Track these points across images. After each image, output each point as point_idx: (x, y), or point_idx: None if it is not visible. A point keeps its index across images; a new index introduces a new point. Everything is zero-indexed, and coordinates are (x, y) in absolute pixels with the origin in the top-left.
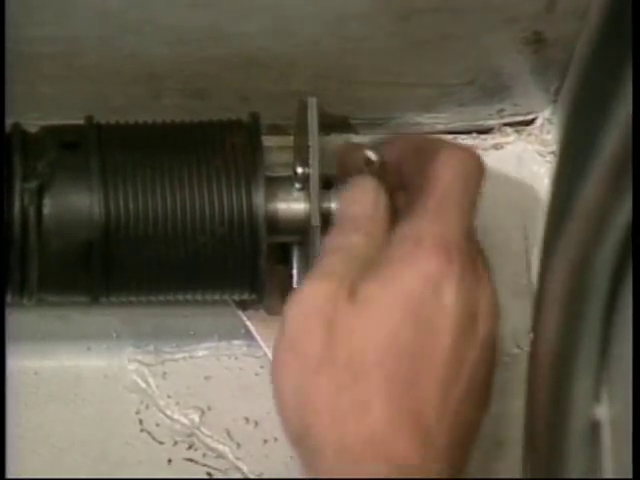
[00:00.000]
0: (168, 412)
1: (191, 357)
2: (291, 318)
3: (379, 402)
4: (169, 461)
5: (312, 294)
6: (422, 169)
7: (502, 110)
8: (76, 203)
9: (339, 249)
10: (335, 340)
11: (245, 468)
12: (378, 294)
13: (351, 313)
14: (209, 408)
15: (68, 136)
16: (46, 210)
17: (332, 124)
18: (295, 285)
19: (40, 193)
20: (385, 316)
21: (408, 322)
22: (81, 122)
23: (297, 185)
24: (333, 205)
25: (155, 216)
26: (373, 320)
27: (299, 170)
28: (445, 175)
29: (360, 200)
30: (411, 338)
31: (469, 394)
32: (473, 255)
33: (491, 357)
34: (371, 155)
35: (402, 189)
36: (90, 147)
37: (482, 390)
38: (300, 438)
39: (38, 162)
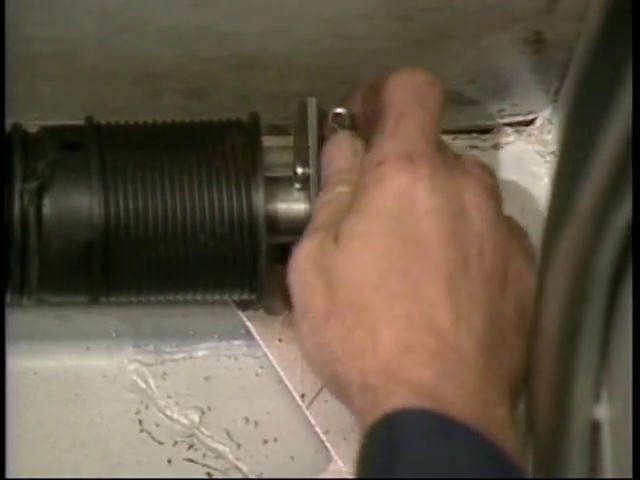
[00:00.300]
0: (168, 412)
1: (191, 357)
2: (293, 282)
3: (386, 328)
4: (169, 461)
5: (303, 252)
6: (375, 106)
7: (502, 110)
8: (76, 203)
9: (325, 205)
10: (333, 285)
11: (245, 468)
12: (356, 226)
13: (338, 253)
14: (209, 408)
15: (68, 136)
16: (46, 210)
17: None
18: None
19: (40, 193)
20: (370, 244)
21: (393, 241)
22: (81, 122)
23: (297, 185)
24: None
25: (155, 216)
26: (358, 252)
27: (299, 170)
28: (395, 97)
29: (336, 155)
30: (401, 254)
31: (482, 286)
32: (445, 160)
33: (501, 238)
34: (338, 110)
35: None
36: (90, 147)
37: (496, 277)
38: (333, 387)
39: (38, 162)
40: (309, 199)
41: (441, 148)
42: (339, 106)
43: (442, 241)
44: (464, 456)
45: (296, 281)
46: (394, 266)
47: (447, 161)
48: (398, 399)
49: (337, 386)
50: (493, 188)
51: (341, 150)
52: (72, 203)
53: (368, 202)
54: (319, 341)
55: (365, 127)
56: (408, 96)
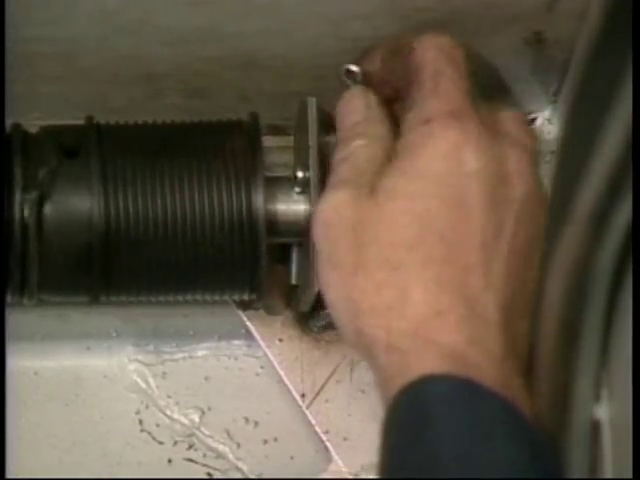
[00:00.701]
0: (168, 412)
1: (191, 357)
2: (320, 233)
3: (418, 289)
4: (169, 461)
5: (330, 204)
6: (405, 67)
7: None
8: (77, 204)
9: (344, 159)
10: (364, 242)
11: (245, 468)
12: (400, 184)
13: (375, 210)
14: (209, 408)
15: (68, 140)
16: (47, 211)
17: (332, 124)
18: (296, 285)
19: (41, 202)
20: (410, 204)
21: (435, 203)
22: (81, 122)
23: (297, 189)
24: None
25: (155, 218)
26: (398, 212)
27: (299, 174)
28: (426, 58)
29: (350, 110)
30: (441, 217)
31: (513, 255)
32: (486, 116)
33: (534, 210)
34: (351, 67)
35: (395, 99)
36: (90, 149)
37: (527, 247)
38: (356, 343)
39: (39, 170)
40: (310, 199)
41: (475, 101)
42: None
43: (483, 206)
44: (493, 422)
45: (322, 234)
46: (432, 228)
47: (487, 120)
48: (427, 364)
49: (360, 342)
50: (533, 151)
51: (354, 104)
52: (72, 204)
53: (413, 162)
54: (345, 295)
55: (381, 88)
56: (440, 55)
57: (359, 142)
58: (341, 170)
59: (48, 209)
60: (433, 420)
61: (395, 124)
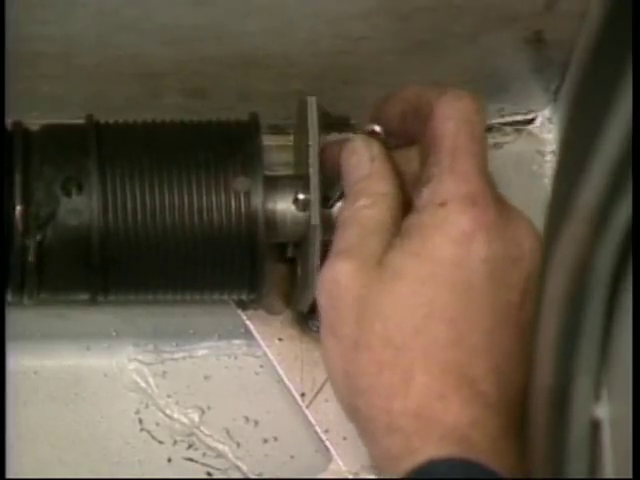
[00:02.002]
0: (168, 411)
1: (191, 356)
2: (324, 302)
3: (421, 373)
4: (169, 460)
5: (334, 274)
6: (424, 128)
7: (502, 109)
8: (76, 204)
9: (350, 220)
10: (368, 318)
11: (245, 467)
12: (410, 266)
13: (381, 286)
14: (209, 407)
15: (69, 140)
16: (46, 210)
17: (332, 123)
18: (296, 284)
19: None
20: (419, 287)
21: (444, 288)
22: (81, 121)
23: (298, 210)
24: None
25: (154, 216)
26: (407, 293)
27: (300, 196)
28: (448, 129)
29: (354, 163)
30: (449, 302)
31: (518, 335)
32: (498, 198)
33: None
34: (375, 127)
35: (408, 145)
36: (89, 149)
37: (530, 324)
38: (352, 417)
39: (39, 170)
40: (309, 203)
41: (491, 181)
42: (372, 117)
43: (492, 290)
44: None
45: (326, 303)
46: (439, 313)
47: (498, 199)
48: (431, 446)
49: (356, 417)
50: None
51: (358, 157)
52: (72, 203)
53: (424, 244)
54: (344, 369)
55: (395, 136)
56: (461, 126)
57: (363, 201)
58: (347, 235)
59: (49, 210)
60: None
61: (400, 176)
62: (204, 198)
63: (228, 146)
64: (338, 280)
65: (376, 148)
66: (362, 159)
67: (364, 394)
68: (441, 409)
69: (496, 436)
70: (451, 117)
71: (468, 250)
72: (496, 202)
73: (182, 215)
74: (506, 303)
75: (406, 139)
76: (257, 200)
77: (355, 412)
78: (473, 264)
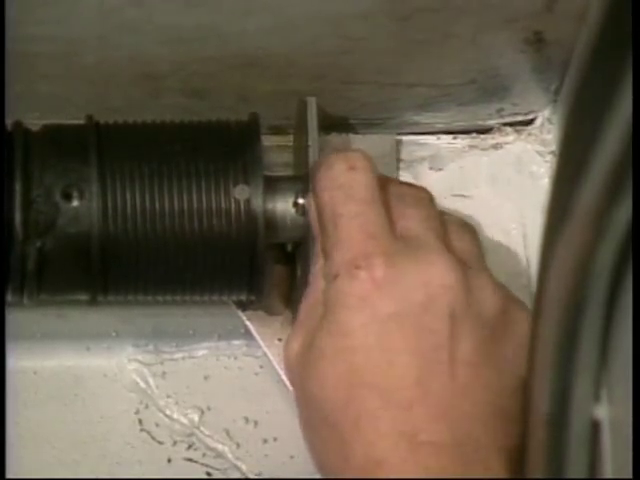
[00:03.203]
0: (167, 412)
1: (191, 357)
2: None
3: (356, 445)
4: (169, 461)
5: (287, 355)
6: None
7: (502, 110)
8: (76, 205)
9: (306, 297)
10: (307, 398)
11: (244, 468)
12: (325, 345)
13: (309, 370)
14: (208, 408)
15: (69, 141)
16: (46, 210)
17: (331, 124)
18: (296, 285)
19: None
20: (335, 363)
21: (359, 356)
22: (80, 122)
23: (297, 215)
24: None
25: (153, 217)
26: (326, 372)
27: (300, 201)
28: (323, 201)
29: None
30: (367, 368)
31: (449, 373)
32: (386, 252)
33: (474, 320)
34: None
35: None
36: (89, 148)
37: (466, 360)
38: None
39: (39, 170)
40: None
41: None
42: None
43: (408, 344)
44: None
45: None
46: (361, 380)
47: (396, 246)
48: None
49: None
50: (470, 252)
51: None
52: (72, 204)
53: (333, 320)
54: (306, 444)
55: None
56: (335, 192)
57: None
58: (301, 311)
59: (48, 209)
60: None
61: None
62: (204, 200)
63: (228, 148)
64: (287, 359)
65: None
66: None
67: (322, 469)
68: (381, 475)
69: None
70: (325, 187)
71: (372, 312)
72: (384, 256)
73: (182, 218)
74: (430, 345)
75: None
76: (257, 201)
77: None
78: (380, 325)
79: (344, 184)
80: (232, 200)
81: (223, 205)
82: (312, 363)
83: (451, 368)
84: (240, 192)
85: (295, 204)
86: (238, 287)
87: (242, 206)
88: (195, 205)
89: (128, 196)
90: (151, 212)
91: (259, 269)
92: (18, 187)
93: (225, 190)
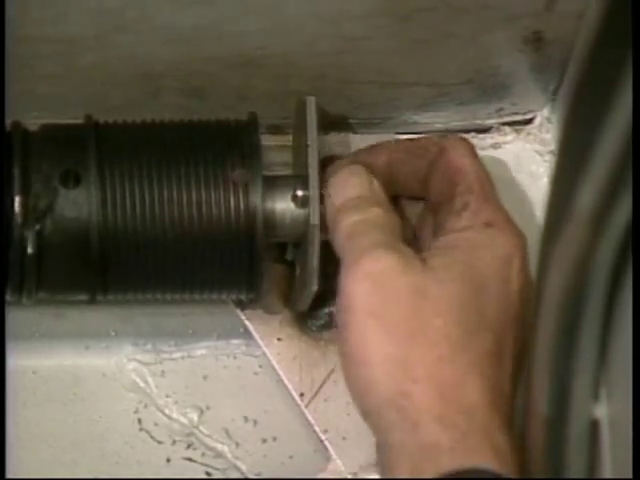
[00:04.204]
0: (167, 411)
1: (190, 356)
2: (365, 289)
3: (474, 378)
4: (168, 460)
5: (381, 264)
6: (435, 164)
7: (501, 109)
8: (75, 203)
9: (368, 223)
10: (427, 311)
11: (244, 467)
12: (463, 274)
13: (438, 284)
14: (208, 407)
15: (68, 139)
16: (45, 209)
17: (331, 123)
18: (295, 284)
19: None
20: (473, 294)
21: (491, 302)
22: (80, 121)
23: (297, 207)
24: None
25: (153, 215)
26: (463, 296)
27: (299, 193)
28: (466, 163)
29: (356, 183)
30: (494, 317)
31: (520, 372)
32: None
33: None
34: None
35: (399, 193)
36: (89, 147)
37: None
38: (390, 404)
39: (38, 201)
40: (308, 199)
41: None
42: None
43: (519, 322)
44: None
45: (371, 292)
46: (488, 325)
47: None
48: (486, 456)
49: (393, 404)
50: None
51: (359, 179)
52: (71, 202)
53: (474, 258)
54: (396, 356)
55: (390, 185)
56: (477, 163)
57: (377, 210)
58: (375, 232)
59: (48, 209)
60: None
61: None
62: (203, 198)
63: (227, 146)
64: (387, 268)
65: (375, 180)
66: (363, 180)
67: (420, 382)
68: (489, 419)
69: (521, 457)
70: (465, 155)
71: (510, 273)
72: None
73: (181, 214)
74: (522, 338)
75: (390, 188)
76: (256, 199)
77: (399, 398)
78: (513, 289)
79: (480, 160)
80: (231, 197)
81: (222, 202)
82: (440, 281)
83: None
84: (239, 176)
85: (294, 197)
86: (237, 284)
87: (241, 203)
88: (195, 204)
89: (126, 181)
90: (150, 204)
91: (258, 267)
92: (17, 172)
93: (224, 188)
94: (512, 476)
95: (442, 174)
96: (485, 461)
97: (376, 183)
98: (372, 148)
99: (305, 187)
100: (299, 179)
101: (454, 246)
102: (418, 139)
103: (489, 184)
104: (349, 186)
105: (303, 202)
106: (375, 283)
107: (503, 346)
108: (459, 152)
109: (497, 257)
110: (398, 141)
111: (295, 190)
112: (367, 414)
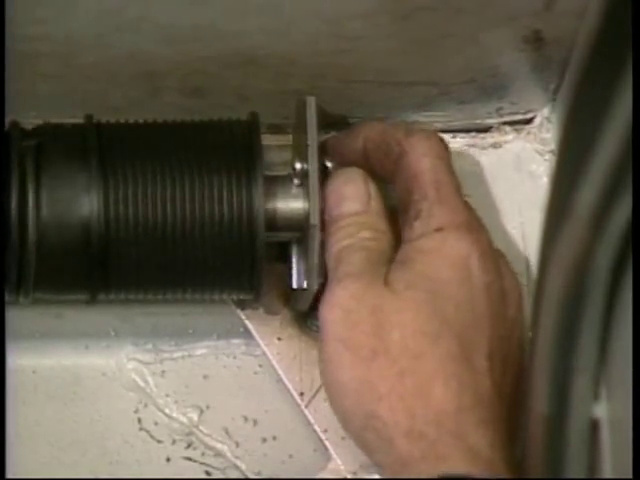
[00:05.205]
0: (167, 411)
1: (190, 356)
2: (333, 318)
3: (439, 383)
4: (168, 460)
5: (348, 292)
6: (395, 166)
7: (501, 109)
8: (75, 203)
9: (353, 249)
10: (385, 327)
11: (244, 467)
12: (417, 281)
13: (394, 298)
14: (208, 407)
15: (69, 161)
16: (44, 208)
17: (331, 123)
18: (294, 284)
19: (38, 188)
20: (431, 299)
21: (451, 305)
22: (80, 121)
23: (296, 181)
24: None
25: (154, 216)
26: (421, 302)
27: (297, 166)
28: (425, 166)
29: (351, 195)
30: (457, 319)
31: (507, 367)
32: (484, 230)
33: (521, 336)
34: (327, 164)
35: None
36: (90, 146)
37: (515, 366)
38: (364, 426)
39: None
40: (308, 197)
41: (473, 211)
42: (329, 148)
43: (489, 318)
44: None
45: (339, 318)
46: (449, 327)
47: (484, 229)
48: (456, 461)
49: (368, 425)
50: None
51: (355, 189)
52: (71, 203)
53: (427, 265)
54: (361, 377)
55: (369, 170)
56: (436, 162)
57: (366, 234)
58: (355, 260)
59: (46, 207)
60: None
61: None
62: (204, 198)
63: (228, 145)
64: (354, 296)
65: (371, 183)
66: (360, 193)
67: (385, 399)
68: (461, 423)
69: (509, 458)
70: (425, 154)
71: (468, 274)
72: (485, 235)
73: (182, 214)
74: (500, 335)
75: (366, 163)
76: (257, 199)
77: (368, 419)
78: (473, 288)
79: (445, 157)
80: (233, 197)
81: (223, 203)
82: (397, 294)
83: (510, 361)
84: None
85: (293, 169)
86: (238, 284)
87: (243, 203)
88: (195, 203)
89: (127, 181)
90: (152, 206)
91: (258, 266)
92: (15, 172)
93: (225, 189)
94: (491, 473)
95: (402, 180)
96: (455, 465)
97: (373, 192)
98: (350, 133)
99: (304, 160)
100: (297, 153)
101: (408, 258)
102: (385, 129)
103: (448, 185)
104: (347, 199)
105: (302, 175)
106: (342, 310)
107: (472, 347)
108: (418, 153)
109: (450, 260)
110: (372, 126)
111: (294, 162)
112: (354, 440)
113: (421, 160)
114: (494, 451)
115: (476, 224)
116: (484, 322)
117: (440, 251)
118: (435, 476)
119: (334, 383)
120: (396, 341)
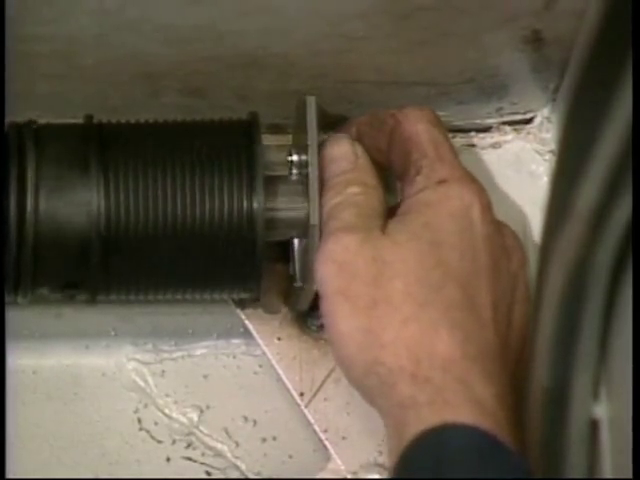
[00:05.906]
0: (167, 411)
1: (190, 356)
2: (328, 271)
3: (445, 330)
4: (168, 460)
5: (340, 245)
6: (390, 136)
7: (501, 109)
8: (74, 201)
9: (342, 205)
10: (386, 276)
11: (243, 467)
12: (419, 232)
13: (395, 248)
14: (207, 407)
15: (69, 161)
16: (43, 208)
17: (331, 123)
18: (298, 281)
19: (37, 191)
20: (434, 249)
21: (454, 253)
22: (80, 121)
23: (294, 171)
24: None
25: (154, 215)
26: (423, 252)
27: (295, 158)
28: (419, 129)
29: (338, 155)
30: (460, 268)
31: (513, 320)
32: (484, 187)
33: (526, 291)
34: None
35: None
36: (90, 146)
37: (521, 320)
38: (367, 373)
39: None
40: (308, 197)
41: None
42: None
43: (492, 270)
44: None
45: (334, 270)
46: (453, 276)
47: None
48: (463, 408)
49: (371, 372)
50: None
51: (343, 151)
52: (71, 203)
53: (430, 216)
54: (362, 326)
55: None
56: (430, 127)
57: (354, 189)
58: (345, 215)
59: (45, 207)
60: (449, 470)
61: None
62: (204, 197)
63: (228, 145)
64: (347, 248)
65: (359, 146)
66: (347, 152)
67: (389, 346)
68: (466, 370)
69: (512, 416)
70: (419, 121)
71: (470, 223)
72: (487, 193)
73: (182, 214)
74: (501, 288)
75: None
76: (257, 199)
77: (372, 365)
78: (475, 238)
79: (438, 124)
80: (233, 197)
81: (224, 203)
82: (398, 244)
83: (512, 313)
84: None
85: (290, 161)
86: (238, 284)
87: (243, 203)
88: (196, 203)
89: (127, 181)
90: (153, 204)
91: (258, 266)
92: (14, 171)
93: (226, 188)
94: (494, 429)
95: (398, 146)
96: (461, 413)
97: (360, 151)
98: (346, 123)
99: (299, 151)
100: (294, 146)
101: (410, 210)
102: (378, 112)
103: (445, 146)
104: (334, 160)
105: (300, 166)
106: (338, 263)
107: (475, 296)
108: (412, 120)
109: (453, 210)
110: (366, 115)
111: (289, 154)
112: (356, 387)
113: (416, 124)
114: (498, 404)
115: (476, 179)
116: (487, 272)
117: (443, 202)
118: (438, 422)
119: (336, 334)
120: (399, 289)
